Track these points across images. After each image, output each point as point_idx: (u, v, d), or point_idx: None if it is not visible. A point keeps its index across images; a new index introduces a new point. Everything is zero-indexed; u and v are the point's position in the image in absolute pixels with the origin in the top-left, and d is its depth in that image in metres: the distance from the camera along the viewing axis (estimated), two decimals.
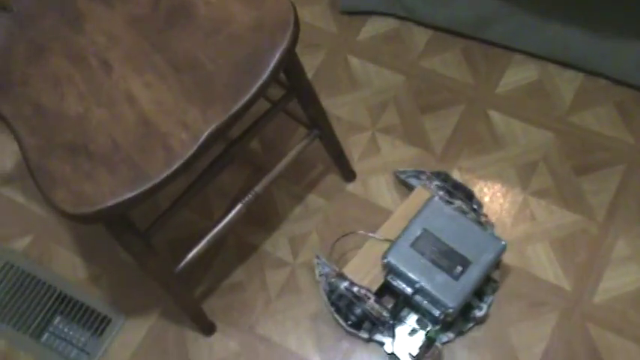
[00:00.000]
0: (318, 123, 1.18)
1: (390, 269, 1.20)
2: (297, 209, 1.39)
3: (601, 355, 1.19)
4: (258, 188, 1.16)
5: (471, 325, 1.22)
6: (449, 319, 1.17)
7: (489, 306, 1.23)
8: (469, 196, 1.32)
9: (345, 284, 1.23)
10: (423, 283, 1.15)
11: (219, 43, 0.94)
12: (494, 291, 1.24)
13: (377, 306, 1.21)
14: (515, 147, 1.38)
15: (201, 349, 1.28)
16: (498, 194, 1.34)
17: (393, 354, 1.21)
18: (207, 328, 1.28)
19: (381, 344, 1.22)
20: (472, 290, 1.15)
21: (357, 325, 1.23)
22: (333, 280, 1.25)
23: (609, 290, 1.23)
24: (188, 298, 1.23)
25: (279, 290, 1.31)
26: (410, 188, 1.35)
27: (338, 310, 1.24)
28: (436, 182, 1.32)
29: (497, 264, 1.25)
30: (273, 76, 0.91)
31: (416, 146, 1.41)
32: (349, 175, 1.39)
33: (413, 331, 1.20)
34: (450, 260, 1.17)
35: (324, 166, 1.42)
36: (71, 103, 0.93)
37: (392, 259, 1.18)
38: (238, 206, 1.14)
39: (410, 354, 1.19)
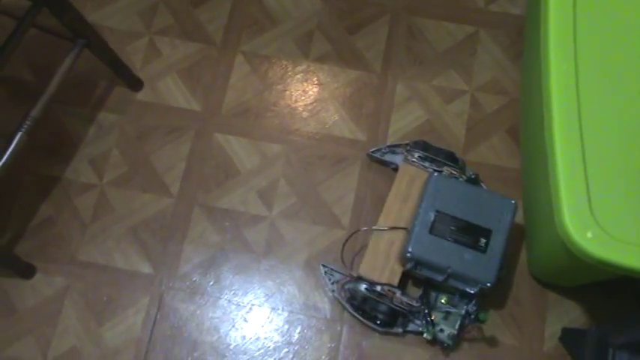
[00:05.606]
0: (81, 31, 1.12)
1: (415, 261, 1.11)
2: (90, 130, 1.34)
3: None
4: (34, 112, 1.10)
5: None
6: (486, 292, 1.13)
7: None
8: (451, 158, 1.25)
9: (364, 286, 1.15)
10: (454, 267, 1.09)
11: None
12: None
13: (405, 299, 1.14)
14: (289, 21, 1.42)
15: (25, 293, 1.22)
16: (287, 69, 1.38)
17: (435, 339, 1.16)
18: (26, 271, 1.23)
19: (419, 333, 1.18)
20: (501, 259, 1.10)
21: (389, 323, 1.18)
22: (350, 285, 1.17)
23: (399, 130, 1.34)
24: None
25: (92, 213, 1.28)
26: (387, 165, 1.30)
27: (365, 314, 1.18)
28: (417, 153, 1.24)
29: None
30: None
31: (195, 41, 1.40)
32: (136, 84, 1.36)
33: (447, 313, 1.15)
34: (471, 235, 1.11)
35: (107, 81, 1.37)
36: None
37: (415, 251, 1.10)
38: (18, 135, 1.08)
39: (450, 335, 1.15)
